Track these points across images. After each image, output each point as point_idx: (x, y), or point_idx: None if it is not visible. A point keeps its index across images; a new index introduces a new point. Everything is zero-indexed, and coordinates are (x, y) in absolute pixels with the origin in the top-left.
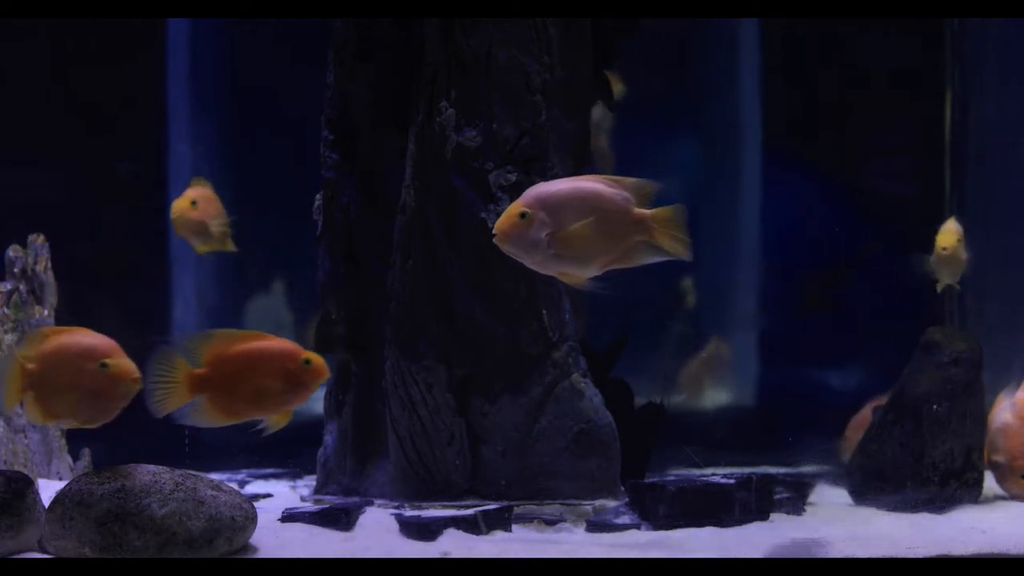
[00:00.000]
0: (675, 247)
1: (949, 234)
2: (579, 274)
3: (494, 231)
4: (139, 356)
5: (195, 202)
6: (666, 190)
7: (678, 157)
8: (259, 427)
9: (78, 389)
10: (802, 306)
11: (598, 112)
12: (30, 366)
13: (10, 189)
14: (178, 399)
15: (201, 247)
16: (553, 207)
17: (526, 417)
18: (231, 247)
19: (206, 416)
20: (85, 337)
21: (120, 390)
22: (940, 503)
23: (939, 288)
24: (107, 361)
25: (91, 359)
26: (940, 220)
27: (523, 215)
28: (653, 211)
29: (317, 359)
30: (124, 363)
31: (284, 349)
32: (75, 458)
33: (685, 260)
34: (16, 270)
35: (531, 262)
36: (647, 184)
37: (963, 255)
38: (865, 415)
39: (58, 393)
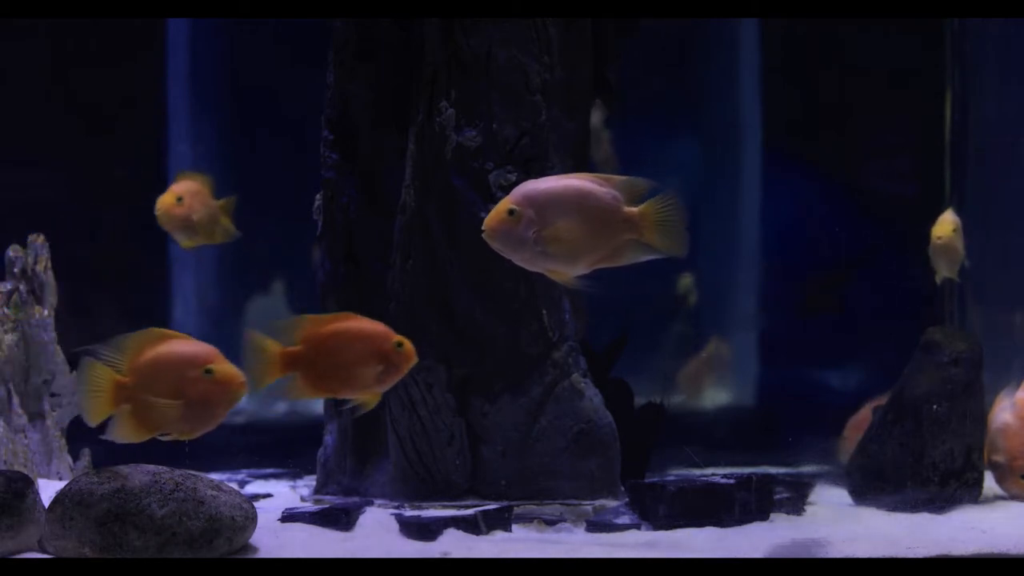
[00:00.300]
0: (667, 244)
1: (944, 224)
2: (567, 272)
3: (483, 227)
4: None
5: (181, 198)
6: (664, 189)
7: (678, 157)
8: (348, 406)
9: (183, 398)
10: (804, 307)
11: (596, 121)
12: (123, 379)
13: (10, 189)
14: (271, 375)
15: (186, 242)
16: (541, 205)
17: (526, 417)
18: (223, 238)
19: (298, 392)
20: (183, 345)
21: (228, 396)
22: (940, 503)
23: (938, 280)
24: (212, 367)
25: (194, 366)
26: None
27: (511, 212)
28: (642, 209)
29: (407, 343)
30: (229, 368)
31: (377, 331)
32: (75, 458)
33: (678, 257)
34: (16, 270)
35: (519, 259)
36: (639, 182)
37: (959, 246)
38: (863, 415)
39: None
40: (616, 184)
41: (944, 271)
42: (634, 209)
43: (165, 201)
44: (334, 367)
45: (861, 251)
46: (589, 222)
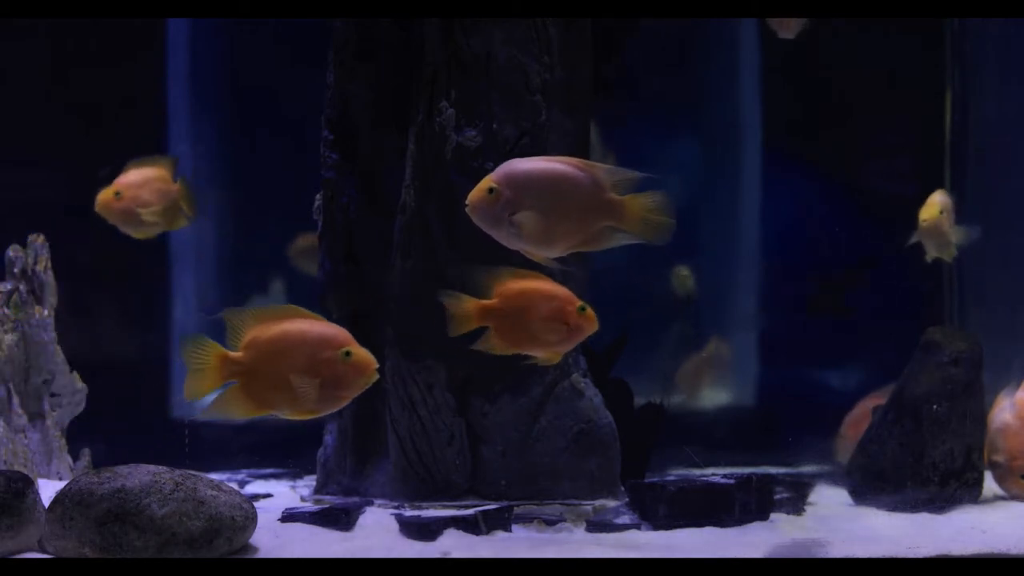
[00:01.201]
0: (645, 233)
1: (931, 206)
2: (542, 253)
3: (467, 202)
4: None
5: (119, 192)
6: (662, 186)
7: (678, 157)
8: (531, 361)
9: (315, 377)
10: (808, 309)
11: (595, 137)
12: (235, 355)
13: (10, 189)
14: (468, 326)
15: (137, 233)
16: (519, 186)
17: (526, 417)
18: (185, 223)
19: (491, 345)
20: (315, 324)
21: (361, 380)
22: (940, 503)
23: (928, 259)
24: (351, 349)
25: (331, 347)
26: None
27: (491, 190)
28: (629, 199)
29: (589, 308)
30: (365, 352)
31: (563, 294)
32: (75, 458)
33: (657, 244)
34: (16, 270)
35: (496, 236)
36: (628, 173)
37: (947, 227)
38: (859, 412)
39: (277, 384)
40: (602, 171)
41: (934, 251)
42: (618, 197)
43: (104, 196)
44: (523, 324)
45: (867, 255)
46: (565, 206)
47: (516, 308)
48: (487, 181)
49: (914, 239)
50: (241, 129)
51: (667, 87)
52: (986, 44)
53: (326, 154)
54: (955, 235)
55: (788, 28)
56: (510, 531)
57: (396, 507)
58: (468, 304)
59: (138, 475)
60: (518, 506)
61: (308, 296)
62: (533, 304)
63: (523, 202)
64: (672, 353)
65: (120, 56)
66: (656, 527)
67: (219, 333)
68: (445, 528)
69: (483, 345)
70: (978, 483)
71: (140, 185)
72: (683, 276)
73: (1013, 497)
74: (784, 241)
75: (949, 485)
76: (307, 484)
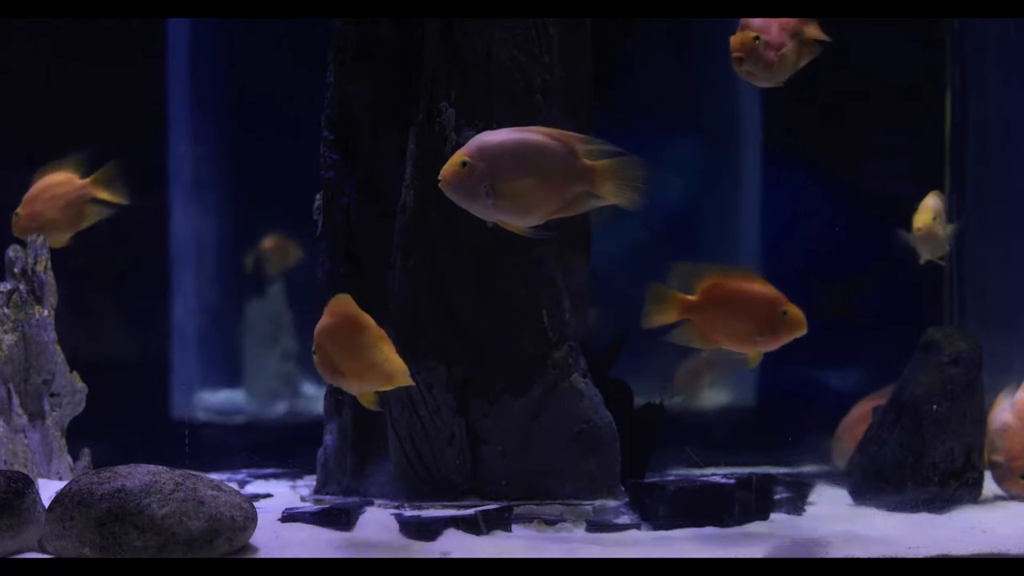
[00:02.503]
0: (620, 198)
1: (924, 213)
2: (520, 223)
3: (439, 177)
4: None
5: (18, 213)
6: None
7: (678, 157)
8: (736, 357)
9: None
10: (815, 313)
11: None
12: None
13: (10, 189)
14: (668, 318)
15: (55, 242)
16: (493, 157)
17: (526, 417)
18: (100, 215)
19: (689, 338)
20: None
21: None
22: (940, 503)
23: (921, 261)
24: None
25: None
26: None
27: (464, 164)
28: (600, 162)
29: (794, 311)
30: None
31: (769, 295)
32: (75, 458)
33: (631, 210)
34: (16, 270)
35: (473, 210)
36: (597, 141)
37: (940, 232)
38: (855, 417)
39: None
40: (573, 138)
41: (927, 255)
42: (591, 162)
43: (13, 219)
44: (725, 322)
45: (880, 261)
46: (542, 174)
47: (720, 306)
48: (459, 155)
49: (907, 241)
50: (241, 129)
51: (667, 87)
52: (986, 44)
53: (326, 154)
54: (946, 234)
55: (765, 75)
56: (510, 531)
57: (396, 507)
58: (671, 297)
59: (138, 475)
60: (518, 506)
61: (309, 296)
62: (736, 303)
63: (497, 173)
64: (672, 353)
65: (120, 56)
66: (656, 527)
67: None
68: (445, 528)
69: (679, 337)
70: (978, 483)
71: (37, 197)
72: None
73: (1013, 497)
74: (784, 241)
75: (949, 485)
76: (307, 484)
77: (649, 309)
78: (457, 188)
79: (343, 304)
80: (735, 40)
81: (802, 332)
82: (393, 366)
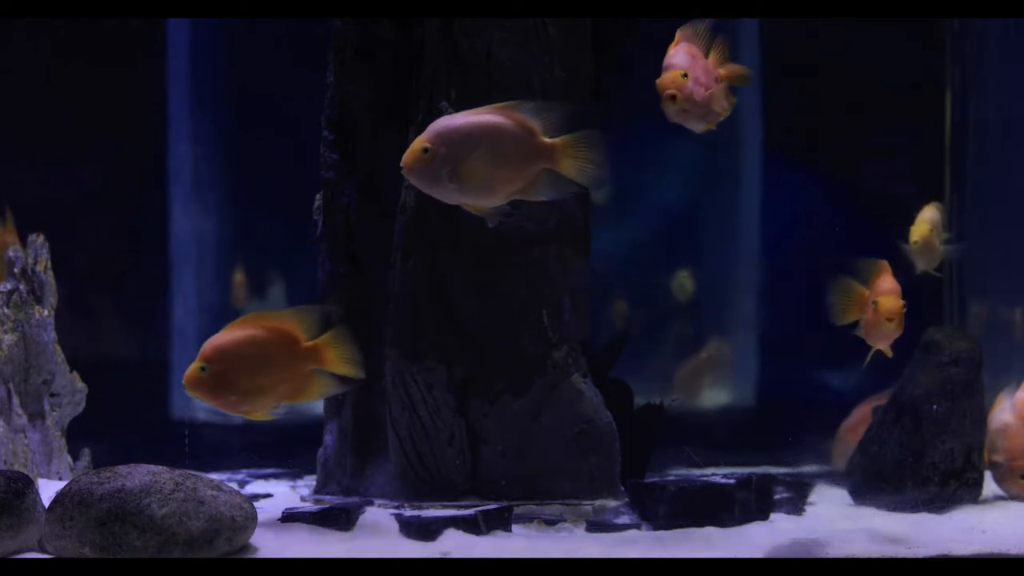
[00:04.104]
0: (581, 174)
1: (920, 225)
2: (484, 204)
3: (401, 165)
4: None
5: None
6: (588, 119)
7: (678, 157)
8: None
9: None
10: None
11: None
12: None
13: (10, 189)
14: (853, 314)
15: None
16: (453, 141)
17: (526, 417)
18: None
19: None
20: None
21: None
22: (940, 503)
23: (917, 271)
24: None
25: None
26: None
27: (426, 150)
28: (559, 140)
29: (882, 307)
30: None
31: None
32: (75, 458)
33: (591, 188)
34: (16, 270)
35: (437, 195)
36: (553, 107)
37: (937, 243)
38: (856, 418)
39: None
40: (531, 114)
41: (922, 266)
42: (550, 140)
43: None
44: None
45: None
46: (502, 155)
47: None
48: (420, 142)
49: (904, 252)
50: (241, 129)
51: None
52: (986, 44)
53: (326, 154)
54: (943, 247)
55: (698, 113)
56: (510, 531)
57: (396, 507)
58: (856, 291)
59: (138, 475)
60: (518, 506)
61: (307, 296)
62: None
63: (458, 157)
64: (672, 353)
65: (120, 56)
66: (656, 527)
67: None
68: (445, 528)
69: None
70: (978, 483)
71: None
72: (683, 280)
73: (1013, 497)
74: (784, 241)
75: (949, 485)
76: (307, 484)
77: (836, 304)
78: (420, 174)
79: (256, 320)
80: (664, 79)
81: (896, 333)
82: (352, 368)
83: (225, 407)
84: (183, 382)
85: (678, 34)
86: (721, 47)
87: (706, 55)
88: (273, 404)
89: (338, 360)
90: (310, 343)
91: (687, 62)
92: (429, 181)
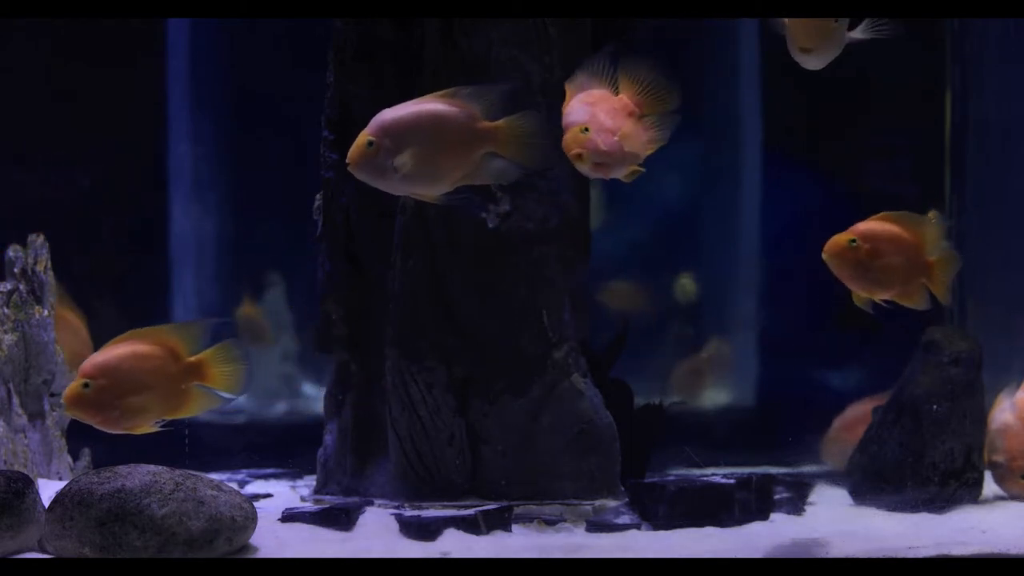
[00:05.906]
0: (523, 155)
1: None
2: (431, 193)
3: (347, 161)
4: None
5: None
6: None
7: (678, 157)
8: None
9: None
10: (838, 323)
11: None
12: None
13: (10, 189)
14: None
15: None
16: (395, 133)
17: (526, 417)
18: None
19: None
20: None
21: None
22: (940, 503)
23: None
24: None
25: None
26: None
27: (370, 144)
28: (500, 122)
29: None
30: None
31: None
32: (75, 458)
33: (536, 168)
34: (16, 270)
35: (384, 187)
36: (491, 90)
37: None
38: (849, 418)
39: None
40: (470, 99)
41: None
42: (491, 123)
43: None
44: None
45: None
46: (444, 142)
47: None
48: (363, 136)
49: None
50: (241, 129)
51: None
52: (986, 44)
53: (326, 154)
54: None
55: (615, 161)
56: (510, 531)
57: (396, 507)
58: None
59: (138, 475)
60: (518, 506)
61: (308, 296)
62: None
63: (402, 148)
64: (672, 353)
65: (120, 56)
66: (656, 527)
67: (219, 335)
68: (445, 528)
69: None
70: (978, 483)
71: None
72: (683, 280)
73: (1013, 497)
74: (784, 241)
75: (949, 485)
76: (307, 484)
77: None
78: (364, 168)
79: (137, 336)
80: (566, 140)
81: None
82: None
83: (106, 424)
84: (62, 400)
85: (568, 89)
86: (633, 75)
87: (616, 91)
88: (155, 419)
89: (218, 376)
90: (192, 359)
91: (585, 115)
92: (374, 174)
